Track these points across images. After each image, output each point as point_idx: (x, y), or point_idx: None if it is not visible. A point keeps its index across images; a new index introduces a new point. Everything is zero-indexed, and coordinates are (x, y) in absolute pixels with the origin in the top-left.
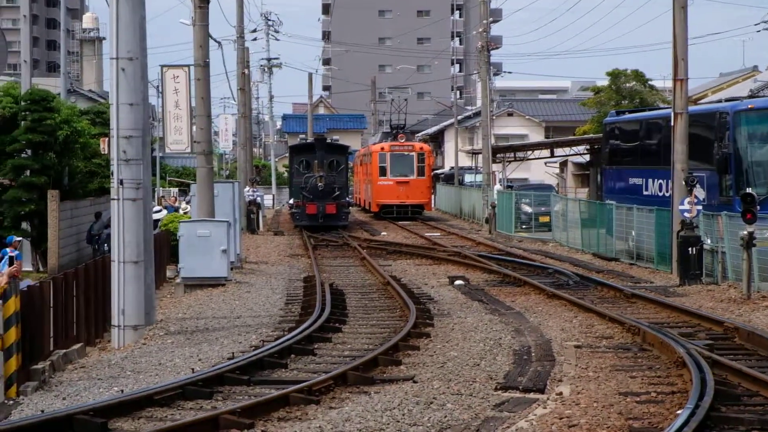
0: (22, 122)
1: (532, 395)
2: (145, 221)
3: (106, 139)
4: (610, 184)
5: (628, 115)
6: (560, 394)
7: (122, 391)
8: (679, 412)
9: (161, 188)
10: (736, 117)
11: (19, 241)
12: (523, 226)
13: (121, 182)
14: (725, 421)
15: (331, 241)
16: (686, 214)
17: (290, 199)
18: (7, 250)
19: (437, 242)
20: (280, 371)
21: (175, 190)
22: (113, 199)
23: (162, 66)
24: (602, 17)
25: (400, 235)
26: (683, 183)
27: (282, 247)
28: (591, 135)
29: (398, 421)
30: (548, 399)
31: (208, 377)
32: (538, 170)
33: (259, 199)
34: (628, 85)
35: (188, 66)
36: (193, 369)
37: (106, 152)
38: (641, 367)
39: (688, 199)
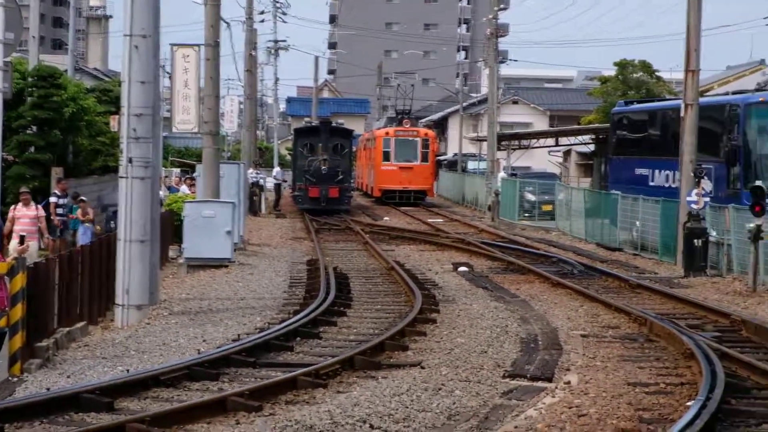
0: (29, 98)
1: (540, 384)
2: (153, 200)
3: (117, 116)
4: (617, 174)
5: (636, 105)
6: (568, 383)
7: (128, 370)
8: (689, 403)
9: (163, 168)
10: (747, 109)
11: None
12: (526, 215)
13: (130, 160)
14: (736, 414)
15: (334, 225)
16: (693, 206)
17: (282, 181)
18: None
19: (440, 228)
20: (286, 354)
21: (177, 171)
22: (122, 177)
23: (172, 45)
24: (611, 9)
25: (402, 221)
26: (691, 174)
27: (284, 230)
28: (597, 125)
29: (407, 407)
30: (556, 388)
31: (214, 359)
32: (541, 159)
33: (261, 181)
34: (635, 75)
35: (199, 45)
36: (198, 350)
37: (116, 129)
38: (649, 358)
39: (695, 191)
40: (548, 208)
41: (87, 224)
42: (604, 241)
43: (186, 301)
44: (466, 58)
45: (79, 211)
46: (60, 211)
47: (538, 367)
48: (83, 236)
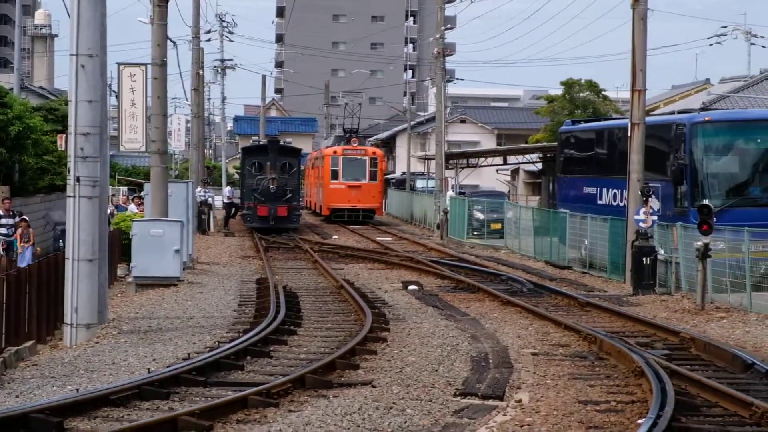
0: None
1: (491, 402)
2: (101, 219)
3: (64, 135)
4: (565, 193)
5: (583, 125)
6: (519, 401)
7: (77, 390)
8: (640, 421)
9: (111, 187)
10: (693, 129)
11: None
12: (475, 233)
13: (77, 179)
14: (686, 431)
15: (283, 244)
16: (641, 224)
17: (227, 196)
18: None
19: (389, 247)
20: (237, 373)
21: (124, 189)
22: (69, 196)
23: (119, 64)
24: (556, 29)
25: (351, 239)
26: (639, 193)
27: (233, 248)
28: (544, 143)
29: (359, 426)
30: (508, 406)
31: (164, 378)
32: (490, 177)
33: (210, 199)
34: (581, 94)
35: (145, 65)
36: (148, 369)
37: (63, 149)
38: (599, 376)
39: (643, 209)
40: (497, 226)
41: (24, 245)
42: (553, 259)
43: (135, 320)
44: (413, 77)
45: (19, 231)
46: (3, 230)
47: (489, 385)
48: (21, 258)
